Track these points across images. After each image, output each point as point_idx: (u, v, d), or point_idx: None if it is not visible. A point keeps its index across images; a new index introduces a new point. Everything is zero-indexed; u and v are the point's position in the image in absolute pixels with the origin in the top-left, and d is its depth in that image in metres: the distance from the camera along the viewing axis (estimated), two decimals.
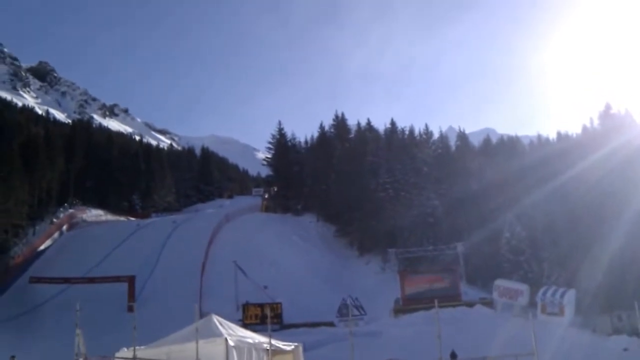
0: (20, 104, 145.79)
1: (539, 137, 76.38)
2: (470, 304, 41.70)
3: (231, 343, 12.38)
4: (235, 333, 13.42)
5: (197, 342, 11.79)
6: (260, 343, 13.73)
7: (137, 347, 12.93)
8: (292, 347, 14.89)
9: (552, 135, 75.76)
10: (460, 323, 34.23)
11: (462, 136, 77.83)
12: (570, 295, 37.22)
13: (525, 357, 16.11)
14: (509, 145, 73.23)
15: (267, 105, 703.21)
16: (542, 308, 37.88)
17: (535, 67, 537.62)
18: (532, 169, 53.78)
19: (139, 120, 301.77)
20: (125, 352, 13.34)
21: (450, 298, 41.41)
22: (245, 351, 13.00)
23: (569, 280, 41.15)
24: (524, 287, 40.96)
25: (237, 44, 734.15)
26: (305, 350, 19.57)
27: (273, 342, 14.16)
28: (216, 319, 13.71)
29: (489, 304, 41.88)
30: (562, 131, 71.05)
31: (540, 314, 37.27)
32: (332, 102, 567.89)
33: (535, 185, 50.04)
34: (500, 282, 42.33)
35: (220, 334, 12.76)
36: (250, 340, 13.40)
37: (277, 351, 14.16)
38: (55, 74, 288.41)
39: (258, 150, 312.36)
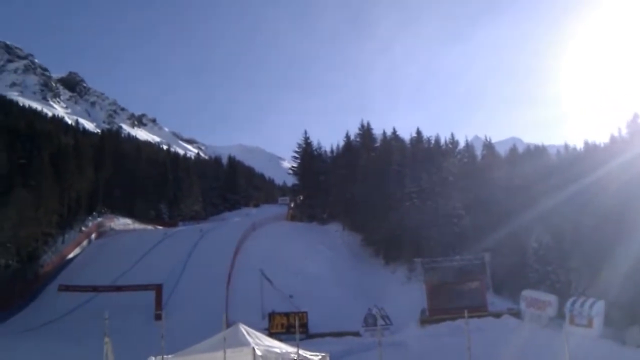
0: (50, 114, 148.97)
1: (566, 146, 75.11)
2: (497, 315, 41.02)
3: (259, 353, 12.38)
4: (263, 342, 13.41)
5: (224, 352, 11.81)
6: (288, 353, 13.70)
7: (165, 356, 13.03)
8: (320, 357, 14.79)
9: (580, 145, 74.49)
10: (487, 334, 33.69)
11: (488, 145, 77.01)
12: (599, 306, 36.34)
13: None
14: (536, 155, 72.09)
15: (293, 114, 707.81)
16: (571, 319, 37.05)
17: (562, 75, 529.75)
18: (559, 179, 52.86)
19: (166, 129, 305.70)
20: None
21: (476, 308, 40.79)
22: None
23: (598, 291, 40.24)
24: (552, 298, 40.18)
25: (263, 54, 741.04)
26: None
27: (300, 352, 14.09)
28: (243, 328, 13.74)
29: (516, 314, 41.11)
30: (590, 140, 69.77)
31: (569, 325, 36.44)
32: (357, 112, 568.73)
33: (563, 195, 49.13)
34: (527, 293, 41.61)
35: (247, 343, 12.79)
36: (277, 350, 13.38)
37: None
38: (85, 85, 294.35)
39: (284, 160, 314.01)
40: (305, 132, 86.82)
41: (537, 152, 74.86)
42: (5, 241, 50.41)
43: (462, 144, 75.57)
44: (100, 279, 54.02)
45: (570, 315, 37.39)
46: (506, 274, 48.62)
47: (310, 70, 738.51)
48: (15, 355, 28.51)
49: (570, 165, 59.00)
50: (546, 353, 29.40)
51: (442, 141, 76.29)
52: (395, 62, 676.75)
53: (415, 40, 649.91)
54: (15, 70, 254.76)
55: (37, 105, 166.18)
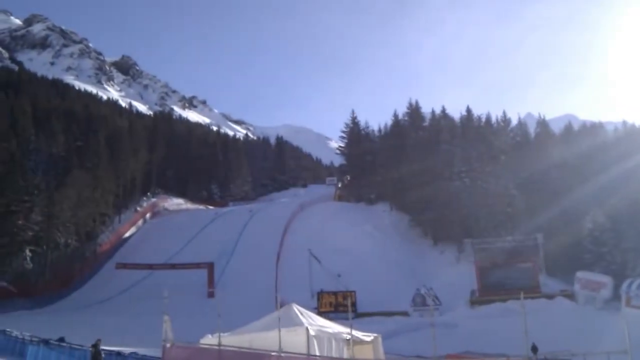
0: (105, 97, 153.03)
1: (624, 123, 71.98)
2: (550, 296, 40.31)
3: (312, 332, 12.42)
4: (315, 322, 13.47)
5: (279, 332, 11.95)
6: (340, 333, 13.70)
7: (221, 334, 13.30)
8: (372, 337, 14.77)
9: (639, 122, 71.29)
10: (540, 315, 32.95)
11: (542, 123, 74.47)
12: None
13: (616, 355, 15.23)
14: (592, 132, 69.35)
15: (340, 94, 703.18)
16: (627, 301, 35.96)
17: (619, 48, 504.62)
18: (616, 157, 50.92)
19: (216, 111, 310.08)
20: (210, 339, 13.64)
21: (529, 290, 40.02)
22: (325, 341, 12.98)
23: None
24: (607, 279, 39.15)
25: (310, 35, 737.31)
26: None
27: (353, 332, 14.11)
28: (296, 308, 13.84)
29: (570, 296, 40.31)
30: None
31: (625, 307, 35.45)
32: (405, 91, 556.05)
33: (620, 174, 47.41)
34: (582, 274, 40.63)
35: (301, 323, 12.83)
36: (330, 330, 13.40)
37: (356, 341, 14.10)
38: (137, 68, 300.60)
39: (331, 139, 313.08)
40: (353, 112, 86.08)
41: (593, 129, 71.93)
42: (65, 221, 52.52)
43: (514, 122, 73.61)
44: (155, 258, 55.92)
45: (626, 297, 36.27)
46: (559, 255, 47.42)
47: (357, 49, 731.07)
48: (76, 330, 29.83)
49: (628, 142, 56.66)
50: (603, 336, 28.60)
51: (494, 119, 74.51)
52: (444, 41, 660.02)
53: (465, 18, 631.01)
54: (71, 55, 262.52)
55: (92, 89, 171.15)
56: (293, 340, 12.19)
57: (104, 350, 15.86)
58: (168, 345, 12.75)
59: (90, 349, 15.84)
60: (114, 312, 44.39)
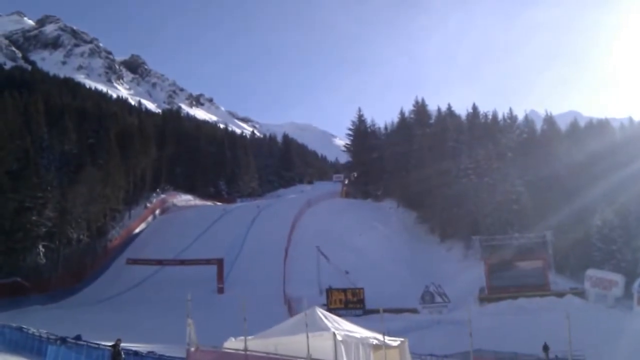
0: (114, 95, 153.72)
1: (631, 120, 71.74)
2: (560, 294, 40.35)
3: (339, 338, 12.05)
4: (341, 327, 13.08)
5: (307, 337, 11.72)
6: (367, 338, 13.37)
7: (241, 338, 13.18)
8: (399, 342, 14.56)
9: None
10: (550, 314, 33.16)
11: (548, 120, 74.32)
12: None
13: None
14: (599, 129, 69.14)
15: (345, 91, 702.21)
16: (639, 300, 36.09)
17: (623, 45, 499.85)
18: (624, 154, 50.89)
19: (222, 109, 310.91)
20: (233, 342, 13.32)
21: (538, 288, 40.37)
22: (353, 346, 12.65)
23: None
24: (618, 278, 39.20)
25: (315, 35, 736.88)
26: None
27: (379, 337, 13.88)
28: (320, 312, 13.42)
29: (580, 294, 40.36)
30: None
31: (637, 306, 35.58)
32: (410, 88, 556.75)
33: (628, 171, 47.39)
34: (592, 272, 40.70)
35: (326, 328, 12.49)
36: (357, 335, 12.99)
37: (381, 346, 13.77)
38: (146, 67, 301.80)
39: (336, 137, 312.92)
40: (359, 110, 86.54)
41: (599, 126, 71.67)
42: (77, 216, 53.04)
43: (520, 119, 73.54)
44: (164, 253, 56.39)
45: (638, 295, 36.36)
46: (568, 253, 47.54)
47: (362, 46, 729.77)
48: (89, 326, 30.23)
49: (635, 139, 56.55)
50: (615, 334, 28.79)
51: (500, 117, 74.47)
52: (449, 38, 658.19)
53: (469, 16, 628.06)
54: (82, 54, 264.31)
55: (102, 87, 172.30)
56: (320, 345, 11.85)
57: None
58: (192, 349, 12.51)
59: (110, 348, 15.88)
60: (125, 308, 44.73)
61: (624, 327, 30.91)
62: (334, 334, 12.11)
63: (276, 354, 12.22)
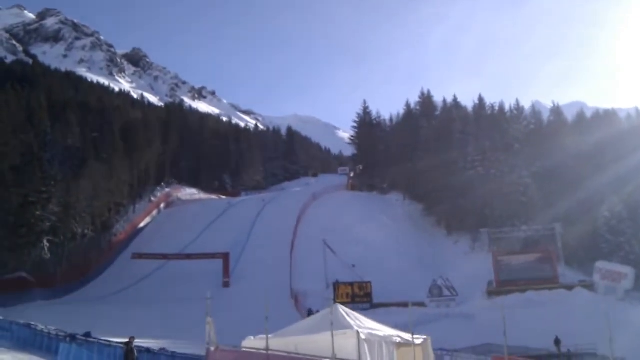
0: (117, 89, 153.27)
1: (637, 110, 71.12)
2: (569, 287, 39.99)
3: (362, 336, 11.67)
4: (364, 324, 12.75)
5: (332, 336, 11.31)
6: (390, 336, 13.02)
7: (260, 337, 12.81)
8: (422, 340, 14.18)
9: None
10: (560, 307, 32.94)
11: (556, 110, 73.72)
12: None
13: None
14: (605, 119, 68.51)
15: (348, 84, 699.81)
16: None
17: (628, 34, 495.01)
18: (631, 144, 50.38)
19: (225, 102, 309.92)
20: (252, 341, 12.92)
21: (547, 280, 39.94)
22: (376, 345, 12.26)
23: None
24: (628, 270, 38.83)
25: (317, 27, 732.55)
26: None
27: (402, 335, 13.51)
28: (342, 309, 12.96)
29: (589, 286, 39.97)
30: None
31: None
32: (413, 82, 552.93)
33: (635, 161, 46.91)
34: (601, 264, 40.30)
35: (348, 326, 12.10)
36: (380, 333, 12.63)
37: (404, 344, 13.38)
38: (148, 60, 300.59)
39: (339, 129, 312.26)
40: (365, 102, 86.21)
41: (606, 116, 71.05)
42: (81, 211, 52.75)
43: (527, 110, 72.91)
44: (170, 248, 56.12)
45: None
46: (576, 245, 47.13)
47: (365, 40, 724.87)
48: (97, 322, 29.97)
49: None
50: (626, 328, 28.32)
51: (507, 107, 73.85)
52: (452, 30, 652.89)
53: (473, 7, 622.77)
54: (83, 48, 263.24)
55: (104, 81, 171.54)
56: (342, 344, 11.44)
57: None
58: (212, 348, 12.12)
59: (122, 346, 15.54)
60: (130, 303, 44.44)
61: (634, 320, 30.55)
62: (358, 332, 11.73)
63: (298, 354, 11.78)
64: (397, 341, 13.02)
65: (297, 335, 12.55)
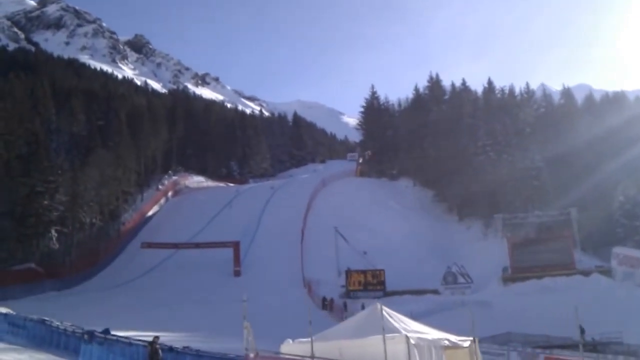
0: (120, 75, 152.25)
1: None
2: (586, 273, 39.30)
3: (412, 341, 11.14)
4: (409, 327, 12.09)
5: (384, 341, 10.68)
6: (439, 340, 12.39)
7: (299, 340, 12.17)
8: (469, 341, 13.56)
9: None
10: (577, 293, 32.20)
11: (566, 93, 72.59)
12: None
13: None
14: (614, 102, 67.42)
15: (353, 69, 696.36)
16: None
17: (633, 15, 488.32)
18: None
19: (228, 88, 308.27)
20: (291, 345, 12.39)
21: (563, 266, 39.29)
22: (425, 349, 11.69)
23: None
24: None
25: (320, 12, 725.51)
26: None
27: (450, 337, 12.87)
28: (385, 310, 12.16)
29: (606, 272, 39.24)
30: None
31: None
32: (418, 66, 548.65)
33: None
34: (619, 250, 39.57)
35: (395, 329, 11.51)
36: (428, 337, 12.02)
37: (451, 347, 12.74)
38: (150, 46, 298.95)
39: (343, 114, 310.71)
40: (372, 87, 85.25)
41: (615, 99, 69.92)
42: (89, 200, 52.29)
43: (538, 93, 71.78)
44: (178, 236, 55.67)
45: None
46: (591, 230, 46.30)
47: (368, 25, 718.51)
48: (111, 315, 29.59)
49: None
50: None
51: (517, 91, 72.77)
52: (456, 13, 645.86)
53: None
54: (85, 34, 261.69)
55: (107, 68, 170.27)
56: (391, 349, 10.86)
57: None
58: (252, 355, 11.49)
59: (145, 345, 14.92)
60: (141, 293, 43.97)
61: None
62: (407, 337, 11.07)
63: None
64: (445, 344, 12.38)
65: (341, 339, 11.88)
